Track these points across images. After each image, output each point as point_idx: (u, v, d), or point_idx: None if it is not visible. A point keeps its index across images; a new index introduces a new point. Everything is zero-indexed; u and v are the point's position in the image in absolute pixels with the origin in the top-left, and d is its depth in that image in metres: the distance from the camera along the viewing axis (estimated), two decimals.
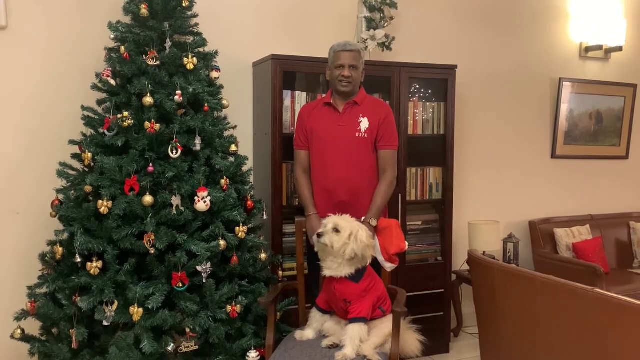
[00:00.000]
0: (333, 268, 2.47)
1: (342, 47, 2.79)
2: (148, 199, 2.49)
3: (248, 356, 2.63)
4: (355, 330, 2.39)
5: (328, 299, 2.54)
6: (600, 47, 4.66)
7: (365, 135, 2.80)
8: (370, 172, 2.82)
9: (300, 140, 2.89)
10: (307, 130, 2.86)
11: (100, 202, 2.48)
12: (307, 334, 2.51)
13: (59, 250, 2.56)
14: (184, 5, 2.82)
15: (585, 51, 4.68)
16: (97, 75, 2.77)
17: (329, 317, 2.57)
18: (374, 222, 2.67)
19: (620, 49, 4.67)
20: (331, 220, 2.48)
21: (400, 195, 3.45)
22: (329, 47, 2.86)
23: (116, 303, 2.44)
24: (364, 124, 2.80)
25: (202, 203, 2.57)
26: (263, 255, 2.84)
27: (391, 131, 2.86)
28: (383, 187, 2.80)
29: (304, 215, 2.86)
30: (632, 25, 4.77)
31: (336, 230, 2.44)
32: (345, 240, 2.43)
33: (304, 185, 2.86)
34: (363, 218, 2.67)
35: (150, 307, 2.42)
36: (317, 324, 2.55)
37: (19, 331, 2.62)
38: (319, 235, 2.44)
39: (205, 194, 2.58)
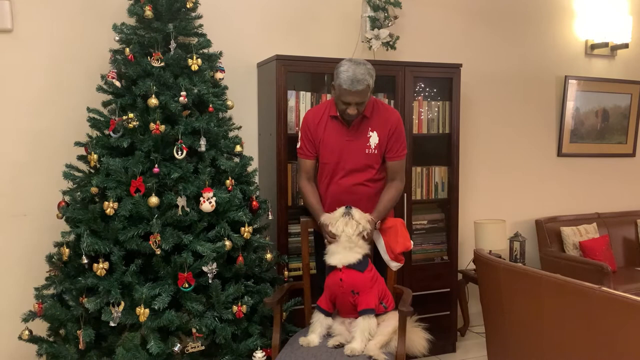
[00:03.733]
0: (343, 254, 2.50)
1: (350, 84, 2.54)
2: (154, 200, 2.50)
3: (254, 356, 2.63)
4: (366, 323, 2.41)
5: (333, 296, 2.53)
6: (606, 44, 4.63)
7: (375, 152, 2.75)
8: (378, 184, 2.81)
9: (307, 149, 2.80)
10: (316, 142, 2.78)
11: (106, 203, 2.49)
12: (311, 339, 2.48)
13: (66, 251, 2.57)
14: (188, 6, 2.83)
15: (591, 48, 4.66)
16: (103, 77, 2.78)
17: (331, 320, 2.56)
18: (377, 225, 2.67)
19: (626, 45, 4.65)
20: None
21: (405, 194, 3.44)
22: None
23: (123, 304, 2.45)
24: (374, 139, 2.74)
25: (208, 204, 2.57)
26: (269, 256, 2.85)
27: (401, 141, 2.80)
28: (391, 192, 2.77)
29: (310, 216, 2.85)
30: (638, 21, 4.74)
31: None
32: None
33: (310, 193, 2.79)
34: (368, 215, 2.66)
35: (156, 307, 2.43)
36: (321, 328, 2.52)
37: (26, 332, 2.63)
38: (348, 207, 2.56)
39: (211, 194, 2.59)
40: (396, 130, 2.79)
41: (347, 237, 2.52)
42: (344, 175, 2.76)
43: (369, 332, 2.41)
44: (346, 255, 2.50)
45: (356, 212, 2.57)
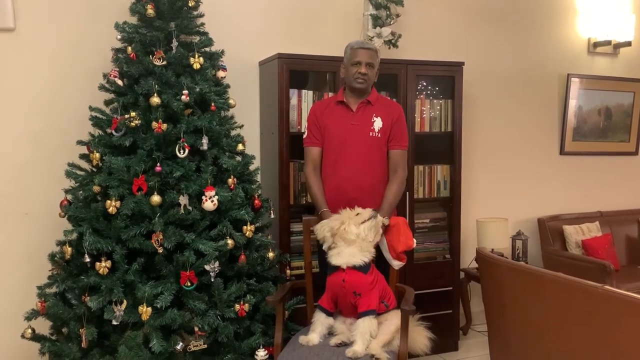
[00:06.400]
0: (352, 256, 2.48)
1: (360, 44, 2.79)
2: (156, 198, 2.50)
3: (256, 355, 2.63)
4: (366, 325, 2.40)
5: (335, 296, 2.53)
6: (608, 43, 4.62)
7: (379, 135, 2.80)
8: (382, 171, 2.82)
9: (314, 137, 2.85)
10: (321, 127, 2.84)
11: (108, 202, 2.49)
12: (311, 338, 2.47)
13: (68, 250, 2.58)
14: (190, 5, 2.83)
15: (594, 46, 4.65)
16: (105, 75, 2.78)
17: (332, 320, 2.56)
18: (386, 222, 2.67)
19: (629, 44, 4.63)
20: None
21: (407, 193, 3.44)
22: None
23: (125, 302, 2.46)
24: (378, 123, 2.80)
25: (210, 202, 2.57)
26: (271, 254, 2.84)
27: (403, 131, 2.86)
28: (395, 186, 2.80)
29: (312, 214, 2.85)
30: None
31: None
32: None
33: (315, 183, 2.82)
34: None
35: (158, 306, 2.43)
36: (322, 327, 2.52)
37: (29, 331, 2.64)
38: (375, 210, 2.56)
39: (213, 193, 2.59)
40: (399, 119, 2.86)
41: (361, 241, 2.50)
42: (348, 162, 2.77)
43: (370, 334, 2.40)
44: (352, 256, 2.48)
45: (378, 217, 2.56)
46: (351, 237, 2.49)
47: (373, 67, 2.79)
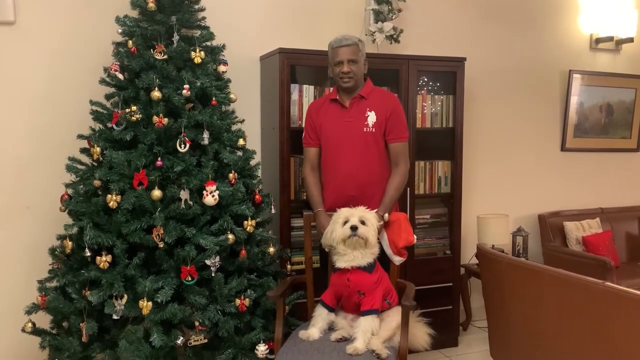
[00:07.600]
0: (354, 259, 2.45)
1: (339, 42, 2.73)
2: (157, 193, 2.50)
3: (257, 349, 2.64)
4: (368, 323, 2.39)
5: (338, 293, 2.53)
6: (611, 39, 4.61)
7: (373, 130, 2.77)
8: (380, 166, 2.80)
9: (310, 138, 2.86)
10: (317, 127, 2.84)
11: (109, 196, 2.49)
12: (312, 333, 2.47)
13: (69, 244, 2.58)
14: None
15: (596, 43, 4.63)
16: (105, 69, 2.77)
17: (334, 316, 2.55)
18: (386, 217, 2.66)
19: (631, 40, 4.62)
20: (355, 213, 2.48)
21: (408, 188, 3.44)
22: None
23: (125, 297, 2.46)
24: (371, 118, 2.77)
25: (211, 197, 2.57)
26: (271, 249, 2.85)
27: (401, 123, 2.82)
28: (396, 180, 2.78)
29: (312, 211, 2.85)
30: None
31: (362, 222, 2.46)
32: (375, 231, 2.48)
33: (312, 183, 2.83)
34: (375, 211, 2.66)
35: (159, 300, 2.43)
36: (323, 322, 2.51)
37: (29, 325, 2.64)
38: (354, 229, 2.43)
39: (214, 188, 2.58)
40: (394, 110, 2.80)
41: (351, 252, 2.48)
42: (344, 160, 2.75)
43: (372, 332, 2.39)
44: (356, 257, 2.46)
45: (363, 228, 2.44)
46: (341, 253, 2.48)
47: (356, 62, 2.73)
